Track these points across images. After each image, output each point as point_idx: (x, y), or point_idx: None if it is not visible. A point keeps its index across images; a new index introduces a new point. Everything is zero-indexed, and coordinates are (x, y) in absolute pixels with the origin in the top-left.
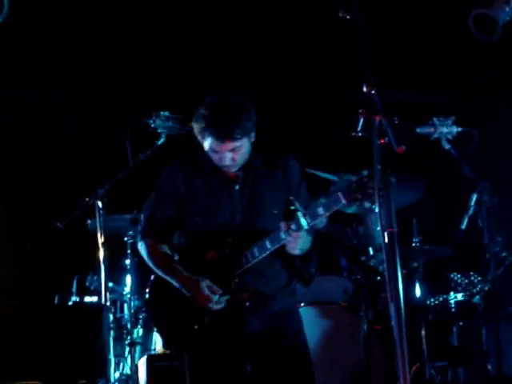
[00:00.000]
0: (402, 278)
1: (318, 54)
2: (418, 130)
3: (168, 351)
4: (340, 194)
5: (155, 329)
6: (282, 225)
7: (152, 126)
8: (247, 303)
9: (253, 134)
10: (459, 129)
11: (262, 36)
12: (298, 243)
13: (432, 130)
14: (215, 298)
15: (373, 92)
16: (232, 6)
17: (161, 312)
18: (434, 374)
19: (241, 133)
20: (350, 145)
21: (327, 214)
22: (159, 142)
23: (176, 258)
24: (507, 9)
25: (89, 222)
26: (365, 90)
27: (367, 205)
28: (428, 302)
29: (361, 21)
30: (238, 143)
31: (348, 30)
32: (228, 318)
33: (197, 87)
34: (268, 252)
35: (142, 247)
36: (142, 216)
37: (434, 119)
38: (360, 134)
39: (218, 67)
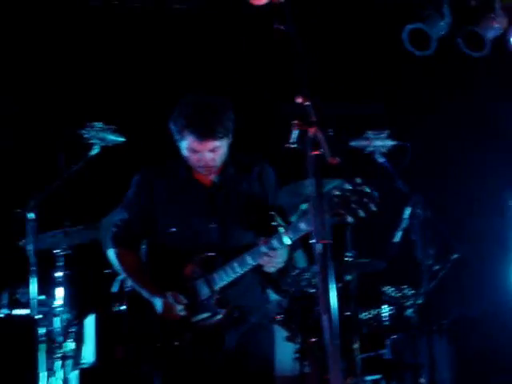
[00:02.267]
0: (335, 290)
1: (253, 66)
2: (352, 143)
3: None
4: None
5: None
6: (262, 240)
7: (85, 136)
8: (226, 321)
9: (231, 135)
10: (393, 142)
11: (197, 47)
12: (276, 262)
13: (366, 143)
14: (179, 307)
15: (307, 104)
16: (169, 18)
17: (138, 326)
18: None
19: (223, 132)
20: (285, 156)
21: (310, 229)
22: (92, 153)
23: (150, 268)
24: (442, 23)
25: (23, 241)
26: (299, 101)
27: (350, 220)
28: (361, 316)
29: (296, 33)
30: (218, 143)
31: (283, 42)
32: (207, 335)
33: (131, 98)
34: (249, 267)
35: (113, 256)
36: (113, 225)
37: (369, 132)
38: (294, 146)
39: (153, 79)
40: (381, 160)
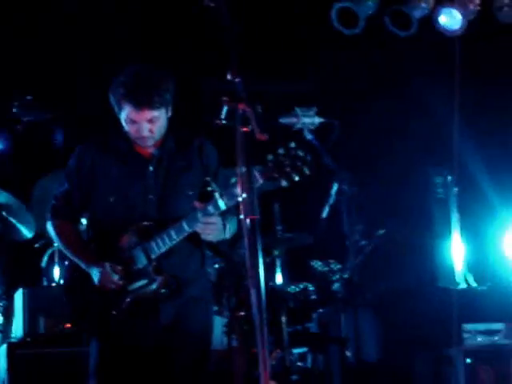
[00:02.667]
0: (263, 265)
1: (182, 42)
2: (280, 119)
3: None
4: (257, 174)
5: (72, 315)
6: (197, 204)
7: (14, 112)
8: (162, 290)
9: (170, 108)
10: (321, 119)
11: (129, 21)
12: (212, 229)
13: (295, 120)
14: (115, 276)
15: (237, 80)
16: None
17: (78, 295)
18: (294, 361)
19: (159, 102)
20: (214, 133)
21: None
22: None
23: (88, 238)
24: (370, 2)
25: None
26: (229, 78)
27: (284, 183)
28: (288, 289)
29: (226, 9)
30: (156, 113)
31: (213, 18)
32: (144, 305)
33: (59, 72)
34: (186, 234)
35: (50, 227)
36: (52, 197)
37: (297, 109)
38: (223, 122)
39: (82, 52)
40: (309, 137)
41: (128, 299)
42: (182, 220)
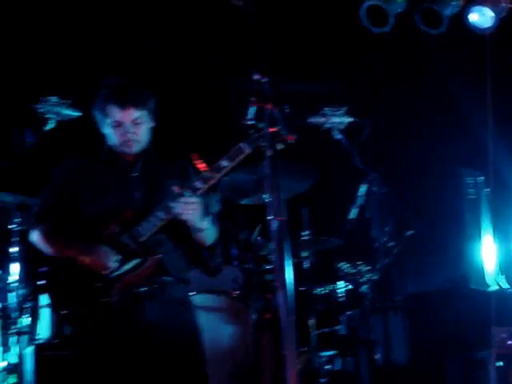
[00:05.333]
0: (291, 266)
1: (211, 42)
2: (309, 119)
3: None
4: (242, 144)
5: (59, 306)
6: (176, 188)
7: (40, 111)
8: (145, 288)
9: (152, 117)
10: (350, 119)
11: (154, 22)
12: (194, 208)
13: (323, 120)
14: (113, 257)
15: (264, 80)
16: None
17: (64, 288)
18: (323, 363)
19: (143, 103)
20: (242, 133)
21: (231, 165)
22: (47, 128)
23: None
24: (399, 0)
25: None
26: (256, 78)
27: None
28: (316, 292)
29: (253, 8)
30: (139, 113)
31: (241, 18)
32: (130, 301)
33: (87, 72)
34: (170, 214)
35: (34, 234)
36: (36, 206)
37: (326, 109)
38: (251, 123)
39: (108, 52)
40: (338, 137)
41: (118, 285)
42: (166, 200)
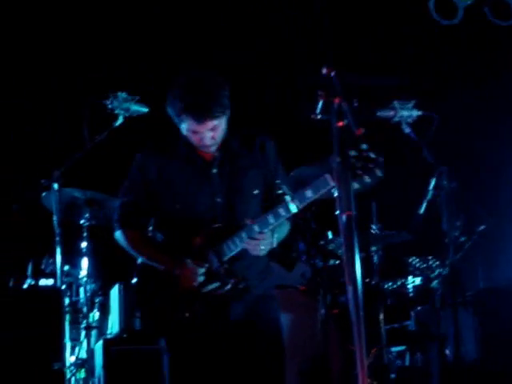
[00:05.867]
0: (360, 261)
1: (279, 37)
2: (378, 113)
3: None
4: (327, 176)
5: (139, 314)
6: (249, 221)
7: (109, 107)
8: (232, 292)
9: (228, 110)
10: (419, 112)
11: (224, 17)
12: (265, 245)
13: (392, 113)
14: (201, 270)
15: (332, 74)
16: None
17: (149, 297)
18: (392, 359)
19: (220, 110)
20: (310, 127)
21: (316, 196)
22: (116, 124)
23: (160, 243)
24: None
25: (43, 194)
26: (324, 72)
27: (355, 185)
28: (386, 286)
29: (322, 3)
30: (217, 121)
31: (309, 13)
32: (214, 306)
33: (156, 68)
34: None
35: (120, 237)
36: (117, 205)
37: (395, 102)
38: (319, 117)
39: (177, 48)
40: (407, 130)
41: (200, 301)
42: (253, 223)
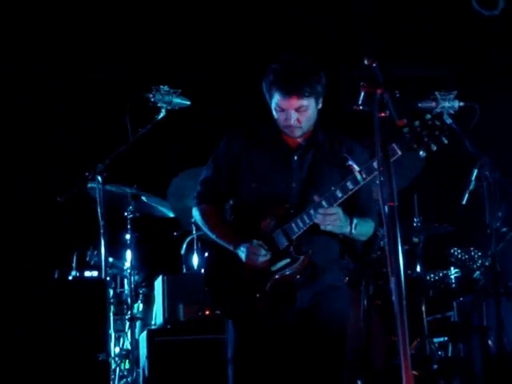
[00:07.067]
0: (403, 252)
1: (320, 28)
2: (419, 104)
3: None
4: (395, 146)
5: (213, 301)
6: (315, 197)
7: (152, 100)
8: (298, 276)
9: (320, 100)
10: (461, 103)
11: (264, 8)
12: (334, 221)
13: (434, 104)
14: (263, 251)
15: (374, 65)
16: None
17: (219, 282)
18: (435, 350)
19: (308, 91)
20: (352, 118)
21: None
22: (159, 117)
23: (231, 222)
24: None
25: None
26: (366, 63)
27: (422, 153)
28: (428, 278)
29: None
30: (304, 101)
31: (350, 4)
32: (282, 291)
33: (198, 61)
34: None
35: (196, 212)
36: (199, 180)
37: (436, 93)
38: (361, 108)
39: (218, 42)
40: (448, 121)
41: (271, 281)
42: (322, 198)
